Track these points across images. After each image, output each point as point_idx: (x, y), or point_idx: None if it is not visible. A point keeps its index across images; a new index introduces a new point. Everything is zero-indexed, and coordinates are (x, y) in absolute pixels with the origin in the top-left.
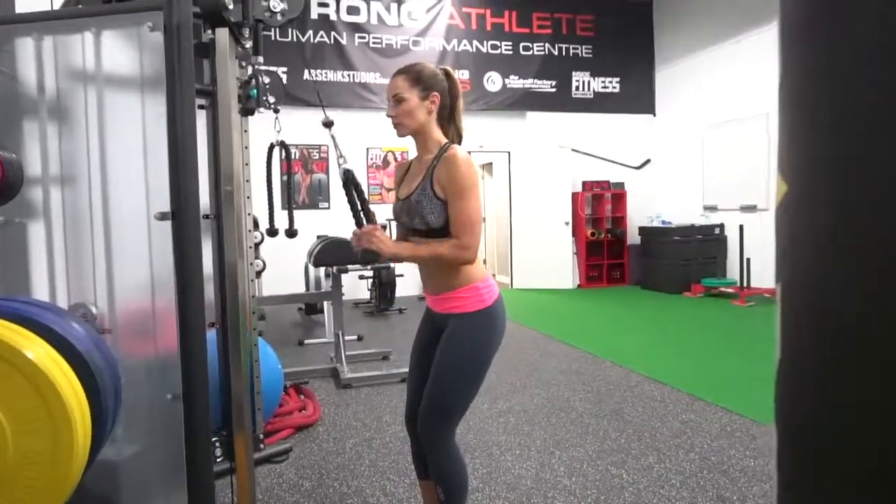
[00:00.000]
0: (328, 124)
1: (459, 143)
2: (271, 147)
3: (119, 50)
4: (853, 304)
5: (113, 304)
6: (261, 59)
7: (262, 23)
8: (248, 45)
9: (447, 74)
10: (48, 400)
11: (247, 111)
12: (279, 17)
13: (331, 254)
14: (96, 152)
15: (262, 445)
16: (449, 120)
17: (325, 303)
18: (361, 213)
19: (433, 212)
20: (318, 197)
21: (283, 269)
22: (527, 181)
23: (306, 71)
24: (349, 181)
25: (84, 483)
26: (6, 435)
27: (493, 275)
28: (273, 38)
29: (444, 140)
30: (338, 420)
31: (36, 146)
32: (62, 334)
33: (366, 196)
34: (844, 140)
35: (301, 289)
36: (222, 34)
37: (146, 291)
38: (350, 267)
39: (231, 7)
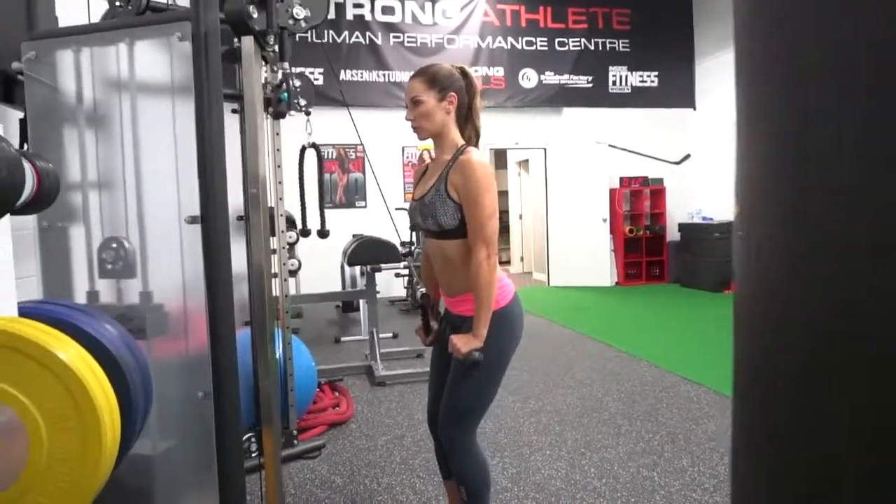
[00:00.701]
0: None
1: (477, 141)
2: (303, 149)
3: (152, 60)
4: (795, 324)
5: (147, 304)
6: (286, 64)
7: (286, 30)
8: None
9: (463, 73)
10: (79, 400)
11: (278, 114)
12: (302, 24)
13: (365, 253)
14: (132, 158)
15: (295, 441)
16: (466, 119)
17: (360, 301)
18: (435, 324)
19: (446, 213)
20: (354, 196)
21: (322, 267)
22: (563, 178)
23: (342, 71)
24: (424, 305)
25: (121, 478)
26: (41, 432)
27: (530, 272)
28: (309, 39)
29: (460, 141)
30: (370, 417)
31: (76, 153)
32: (95, 336)
33: (440, 312)
34: (771, 172)
35: (339, 287)
36: (247, 42)
37: (178, 292)
38: (384, 265)
39: (255, 16)
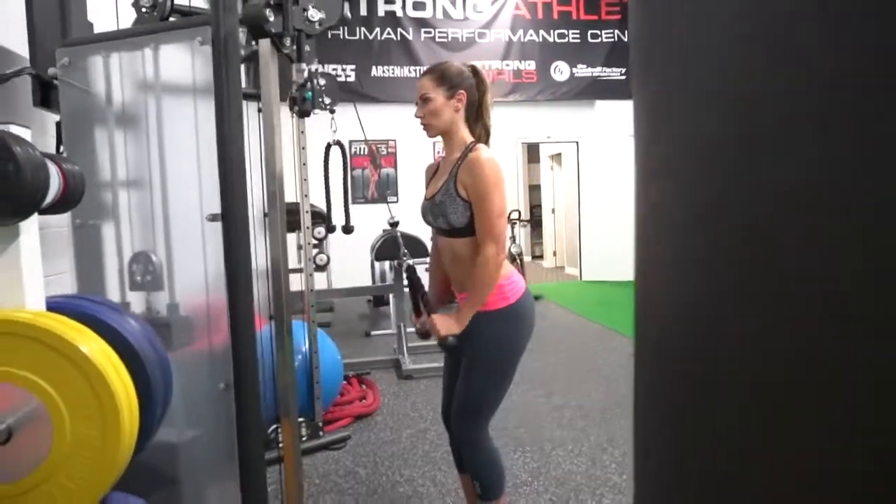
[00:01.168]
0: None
1: (487, 140)
2: (328, 147)
3: (176, 63)
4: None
5: (174, 300)
6: (303, 65)
7: (302, 32)
8: (305, 50)
9: (474, 71)
10: (99, 391)
11: (303, 112)
12: (317, 26)
13: (391, 248)
14: (159, 158)
15: (321, 433)
16: (476, 117)
17: (390, 295)
18: (421, 303)
19: (456, 212)
20: (386, 191)
21: (354, 261)
22: (596, 171)
23: (374, 67)
24: (411, 276)
25: (148, 464)
26: (64, 419)
27: (563, 267)
28: (342, 36)
29: (469, 139)
30: (396, 410)
31: (106, 154)
32: (118, 329)
33: (425, 288)
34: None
35: (371, 281)
36: (265, 44)
37: (202, 288)
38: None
39: (272, 19)
